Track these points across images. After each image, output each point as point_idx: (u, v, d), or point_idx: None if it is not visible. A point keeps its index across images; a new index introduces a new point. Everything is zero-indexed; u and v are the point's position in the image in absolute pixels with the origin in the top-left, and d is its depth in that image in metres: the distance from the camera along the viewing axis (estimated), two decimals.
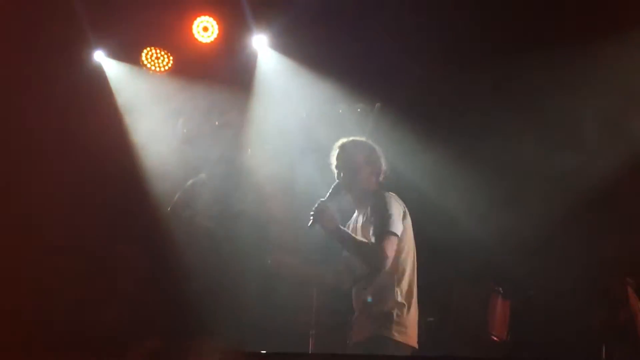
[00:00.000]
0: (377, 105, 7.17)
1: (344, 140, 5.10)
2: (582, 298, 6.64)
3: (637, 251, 6.59)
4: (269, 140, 7.63)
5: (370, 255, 4.68)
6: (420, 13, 7.35)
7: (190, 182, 7.64)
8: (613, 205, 6.89)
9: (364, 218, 4.91)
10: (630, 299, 6.27)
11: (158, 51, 8.23)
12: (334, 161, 5.08)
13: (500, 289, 6.65)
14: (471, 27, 7.25)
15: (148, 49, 8.21)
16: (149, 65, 8.21)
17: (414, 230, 5.21)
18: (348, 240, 4.76)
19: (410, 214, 5.14)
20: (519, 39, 7.14)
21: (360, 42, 7.54)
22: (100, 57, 8.20)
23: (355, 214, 5.09)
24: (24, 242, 7.77)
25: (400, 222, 4.84)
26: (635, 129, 6.79)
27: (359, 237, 4.83)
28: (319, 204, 4.74)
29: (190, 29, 8.07)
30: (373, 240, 4.70)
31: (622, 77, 6.75)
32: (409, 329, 4.96)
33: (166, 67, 8.24)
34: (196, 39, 8.09)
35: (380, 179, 5.06)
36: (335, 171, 5.03)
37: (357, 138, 5.14)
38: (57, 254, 7.79)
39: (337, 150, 5.04)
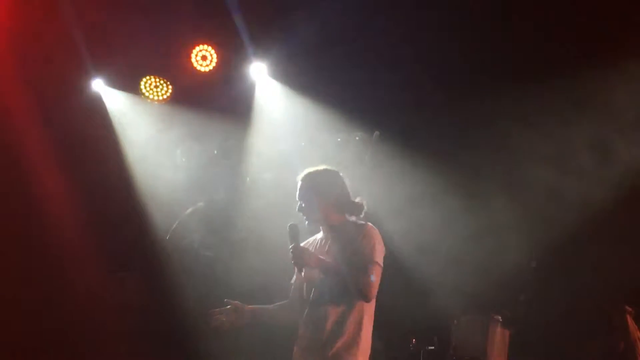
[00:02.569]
0: (376, 133, 7.20)
1: (306, 171, 5.00)
2: (581, 327, 6.63)
3: (636, 279, 6.60)
4: (268, 169, 7.64)
5: (360, 283, 4.63)
6: (417, 43, 7.41)
7: (188, 210, 7.63)
8: (612, 233, 6.90)
9: (339, 245, 4.78)
10: (630, 328, 6.27)
11: (157, 80, 8.25)
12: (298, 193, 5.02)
13: (500, 317, 6.64)
14: (466, 56, 7.30)
15: (147, 77, 8.23)
16: (147, 94, 8.22)
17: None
18: (331, 269, 4.70)
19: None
20: (513, 68, 7.19)
21: (358, 71, 7.58)
22: (99, 85, 8.22)
23: (322, 235, 4.97)
24: (22, 269, 7.78)
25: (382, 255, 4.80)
26: (628, 156, 6.84)
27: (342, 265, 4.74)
28: (292, 251, 4.67)
29: (189, 58, 8.10)
30: (356, 270, 4.64)
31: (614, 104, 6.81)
32: None
33: (165, 96, 8.25)
34: (195, 68, 8.12)
35: (346, 207, 4.97)
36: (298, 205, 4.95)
37: (321, 167, 5.04)
38: (54, 280, 7.80)
39: (301, 182, 4.96)
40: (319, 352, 4.65)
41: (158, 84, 8.24)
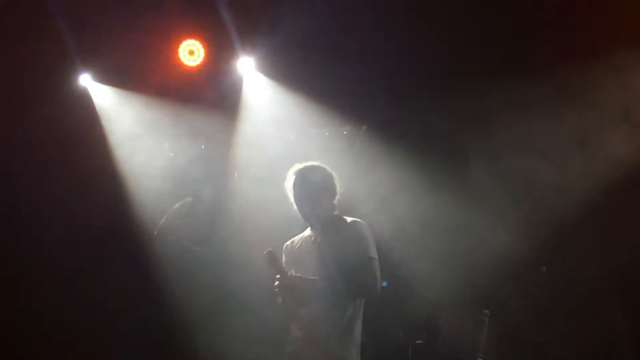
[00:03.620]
0: (364, 127, 7.21)
1: (299, 166, 4.99)
2: (569, 319, 6.66)
3: (624, 271, 6.62)
4: (256, 163, 7.64)
5: (366, 281, 4.64)
6: (403, 37, 7.41)
7: (176, 205, 7.63)
8: (600, 224, 6.92)
9: (331, 242, 4.77)
10: (617, 320, 6.31)
11: (143, 75, 8.22)
12: (290, 188, 4.97)
13: (488, 311, 6.66)
14: (451, 50, 7.31)
15: (134, 72, 8.20)
16: (134, 89, 8.20)
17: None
18: (322, 282, 4.69)
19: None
20: (501, 61, 7.21)
21: (346, 65, 7.57)
22: (86, 80, 8.19)
23: (310, 232, 4.95)
24: (9, 264, 7.76)
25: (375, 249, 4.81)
26: (616, 148, 6.86)
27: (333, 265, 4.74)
28: (280, 281, 4.68)
29: (177, 52, 8.08)
30: (353, 266, 4.64)
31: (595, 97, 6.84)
32: None
33: (152, 91, 8.22)
34: (182, 63, 8.09)
35: (335, 202, 4.98)
36: (293, 200, 4.90)
37: (314, 163, 5.04)
38: (41, 274, 7.79)
39: (295, 178, 4.93)
40: (316, 348, 4.65)
41: (145, 79, 8.21)
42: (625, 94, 6.75)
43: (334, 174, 4.98)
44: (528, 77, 6.90)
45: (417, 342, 6.85)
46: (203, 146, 7.97)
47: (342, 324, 4.68)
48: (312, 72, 7.62)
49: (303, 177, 4.90)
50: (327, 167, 5.01)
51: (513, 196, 7.12)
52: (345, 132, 7.25)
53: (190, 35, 8.08)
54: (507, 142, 7.07)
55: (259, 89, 7.98)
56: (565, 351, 6.62)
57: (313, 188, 4.86)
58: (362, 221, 4.85)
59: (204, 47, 8.09)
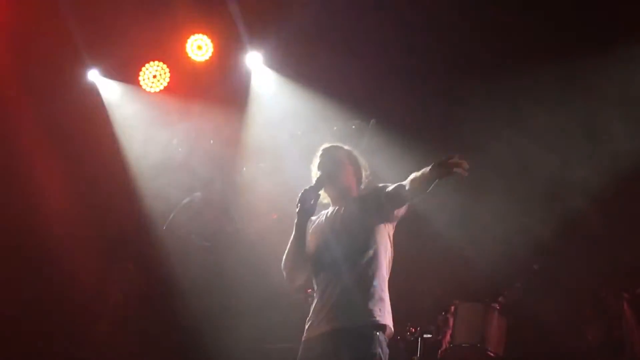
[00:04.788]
0: (372, 121, 7.19)
1: (327, 144, 5.07)
2: (578, 312, 6.64)
3: (633, 265, 6.60)
4: (264, 158, 7.64)
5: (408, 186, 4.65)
6: (412, 30, 7.40)
7: (185, 200, 7.65)
8: (609, 220, 6.90)
9: (351, 209, 4.81)
10: (626, 314, 6.28)
11: (153, 70, 8.23)
12: (317, 161, 4.96)
13: (497, 305, 6.65)
14: (461, 43, 7.30)
15: (144, 68, 8.22)
16: (143, 84, 8.21)
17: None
18: None
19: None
20: (509, 54, 7.20)
21: (354, 60, 7.57)
22: (94, 76, 8.21)
23: (332, 209, 4.98)
24: (18, 260, 7.80)
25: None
26: (622, 140, 6.85)
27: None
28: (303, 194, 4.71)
29: (185, 47, 8.09)
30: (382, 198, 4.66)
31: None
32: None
33: (161, 86, 8.23)
34: (190, 58, 8.10)
35: (361, 186, 5.02)
36: (319, 168, 4.95)
37: (340, 144, 5.11)
38: (51, 270, 7.82)
39: (321, 151, 5.02)
40: (335, 310, 4.62)
41: (154, 73, 8.22)
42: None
43: (361, 160, 5.01)
44: (544, 67, 6.90)
45: (427, 335, 6.83)
46: (212, 141, 7.97)
47: (368, 283, 4.67)
48: (320, 66, 7.62)
49: (329, 149, 4.97)
50: (354, 152, 5.06)
51: (526, 188, 7.11)
52: (353, 127, 7.24)
53: (199, 30, 8.09)
54: (521, 134, 7.07)
55: (267, 83, 7.98)
56: (575, 344, 6.61)
57: (338, 155, 4.92)
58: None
59: (212, 41, 8.10)
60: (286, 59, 7.85)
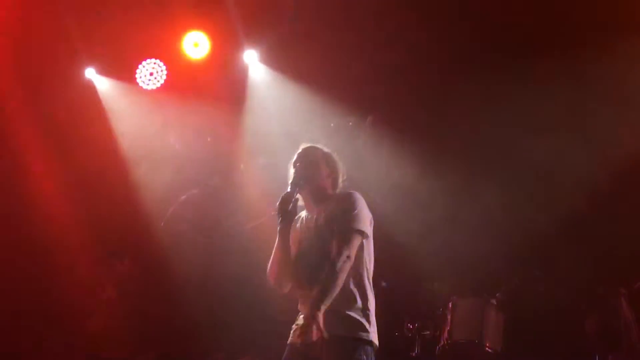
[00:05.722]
0: (369, 118, 7.20)
1: (305, 145, 5.07)
2: (576, 308, 6.64)
3: (631, 260, 6.61)
4: (261, 154, 7.65)
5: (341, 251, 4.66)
6: (410, 27, 7.41)
7: (183, 197, 7.66)
8: (608, 215, 6.91)
9: (326, 216, 4.80)
10: (623, 309, 6.29)
11: (150, 67, 8.23)
12: (293, 163, 4.93)
13: (494, 301, 6.65)
14: (459, 39, 7.32)
15: (141, 65, 8.22)
16: (140, 82, 8.21)
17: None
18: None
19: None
20: (505, 48, 7.21)
21: (350, 56, 7.58)
22: (91, 74, 8.20)
23: (306, 214, 4.98)
24: (16, 256, 7.79)
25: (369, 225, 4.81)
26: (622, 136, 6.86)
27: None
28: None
29: (181, 44, 8.09)
30: (337, 236, 4.65)
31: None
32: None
33: (158, 83, 8.23)
34: (187, 55, 8.10)
35: (339, 184, 5.01)
36: (294, 171, 4.95)
37: (318, 145, 5.11)
38: (47, 266, 7.82)
39: (297, 153, 5.01)
40: (329, 321, 4.62)
41: (151, 71, 8.22)
42: None
43: (337, 159, 5.00)
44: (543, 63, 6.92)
45: (425, 332, 6.83)
46: (209, 138, 7.98)
47: (349, 295, 4.67)
48: (317, 63, 7.63)
49: (304, 150, 4.95)
50: (330, 151, 5.04)
51: (524, 183, 7.11)
52: (350, 123, 7.25)
53: (195, 27, 8.09)
54: (516, 131, 7.08)
55: (264, 80, 7.99)
56: (573, 338, 6.61)
57: (313, 155, 4.90)
58: (356, 192, 4.86)
59: (208, 39, 8.10)
60: (283, 55, 7.86)
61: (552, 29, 7.06)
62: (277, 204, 4.73)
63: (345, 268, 4.58)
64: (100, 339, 7.58)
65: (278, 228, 4.76)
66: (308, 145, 5.02)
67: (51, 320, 7.73)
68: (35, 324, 7.71)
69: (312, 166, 4.90)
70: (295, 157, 4.96)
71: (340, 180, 4.99)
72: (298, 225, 4.90)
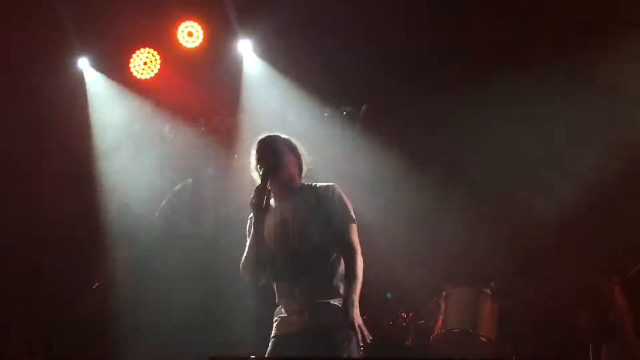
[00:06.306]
0: (364, 107, 7.18)
1: (261, 136, 4.99)
2: (569, 298, 6.65)
3: (625, 251, 6.62)
4: (255, 145, 7.61)
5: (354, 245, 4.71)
6: (404, 19, 7.40)
7: (177, 187, 7.65)
8: (603, 207, 6.91)
9: (307, 207, 4.78)
10: (618, 299, 6.30)
11: (144, 56, 8.21)
12: (254, 155, 4.83)
13: (489, 290, 6.66)
14: (453, 35, 7.30)
15: (135, 54, 8.19)
16: (134, 71, 8.19)
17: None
18: None
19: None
20: (500, 46, 7.20)
21: (345, 47, 7.56)
22: (84, 64, 8.18)
23: (278, 204, 4.94)
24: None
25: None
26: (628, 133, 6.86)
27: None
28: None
29: (175, 34, 8.07)
30: (333, 230, 4.65)
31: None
32: None
33: (152, 73, 8.21)
34: (181, 44, 8.08)
35: (303, 174, 4.96)
36: (258, 163, 4.78)
37: (277, 133, 5.03)
38: (35, 256, 7.81)
39: (256, 145, 4.90)
40: (315, 311, 4.64)
41: (145, 60, 8.20)
42: None
43: (300, 146, 4.95)
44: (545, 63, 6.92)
45: (419, 322, 6.84)
46: (203, 128, 7.97)
47: (334, 287, 4.68)
48: (312, 52, 7.61)
49: (264, 141, 4.87)
50: (291, 138, 4.98)
51: (517, 175, 7.11)
52: (344, 113, 7.23)
53: (189, 17, 8.07)
54: (509, 127, 7.08)
55: (258, 70, 7.98)
56: (567, 328, 6.62)
57: (276, 144, 4.84)
58: (334, 184, 4.84)
59: (202, 28, 8.08)
60: (277, 45, 7.84)
61: (549, 27, 7.05)
62: (251, 197, 4.69)
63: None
64: (88, 328, 7.60)
65: (253, 222, 4.74)
66: (265, 135, 4.95)
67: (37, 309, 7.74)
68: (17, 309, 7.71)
69: (278, 154, 4.84)
70: (255, 148, 4.89)
71: (304, 166, 4.95)
72: (271, 216, 4.85)
